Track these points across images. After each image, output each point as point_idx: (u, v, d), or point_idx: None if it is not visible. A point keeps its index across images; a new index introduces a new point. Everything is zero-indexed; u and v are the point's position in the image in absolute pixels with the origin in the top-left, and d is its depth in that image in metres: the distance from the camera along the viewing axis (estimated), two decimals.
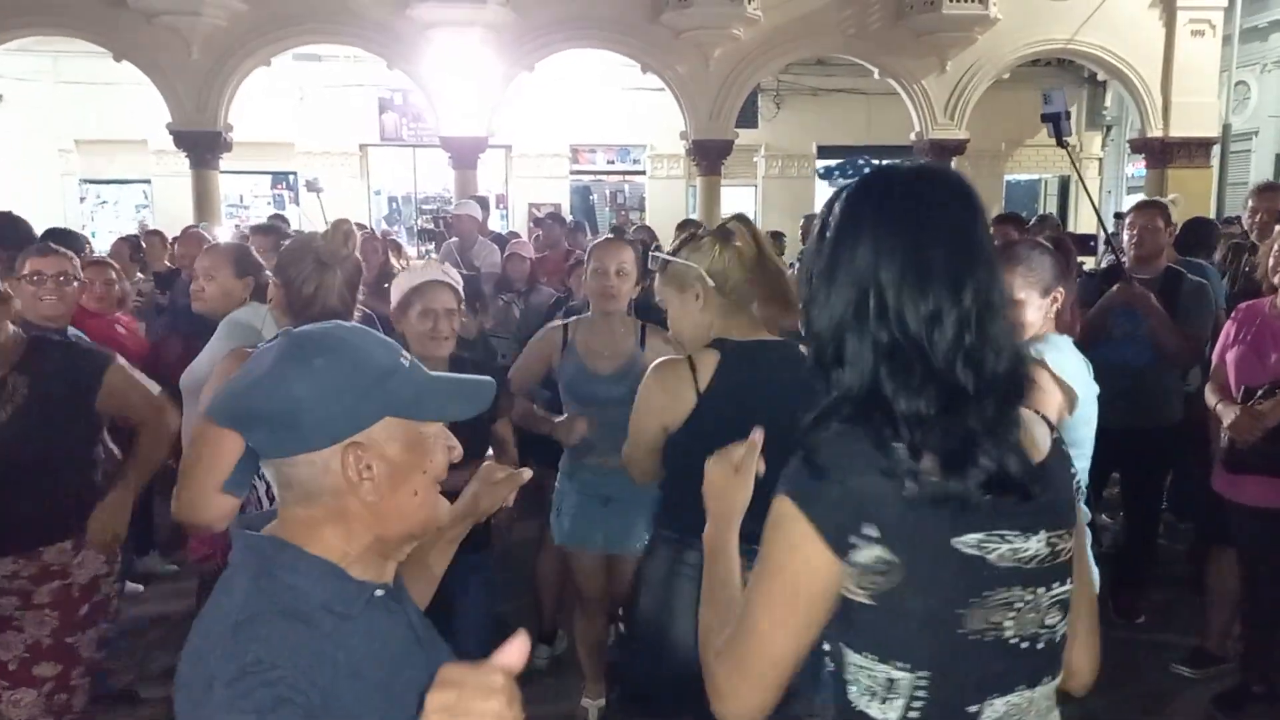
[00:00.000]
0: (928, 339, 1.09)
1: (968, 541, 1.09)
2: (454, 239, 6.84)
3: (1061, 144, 3.84)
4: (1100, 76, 14.92)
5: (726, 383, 2.11)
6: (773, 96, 16.05)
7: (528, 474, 1.45)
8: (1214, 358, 3.41)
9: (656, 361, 2.23)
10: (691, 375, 2.12)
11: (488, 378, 1.20)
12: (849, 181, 1.21)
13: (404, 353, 1.15)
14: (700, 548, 1.37)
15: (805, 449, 1.12)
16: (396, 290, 2.78)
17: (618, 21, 12.17)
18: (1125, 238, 4.12)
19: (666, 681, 2.05)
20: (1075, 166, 5.01)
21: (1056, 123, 3.78)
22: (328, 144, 15.34)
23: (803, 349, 1.99)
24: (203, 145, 11.76)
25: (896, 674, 1.11)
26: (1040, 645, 1.16)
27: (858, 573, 1.09)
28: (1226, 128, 14.35)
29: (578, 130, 15.93)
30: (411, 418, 1.11)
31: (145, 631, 4.18)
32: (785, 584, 1.12)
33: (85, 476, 2.70)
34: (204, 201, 11.80)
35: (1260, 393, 3.09)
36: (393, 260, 7.35)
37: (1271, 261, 3.15)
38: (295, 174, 15.54)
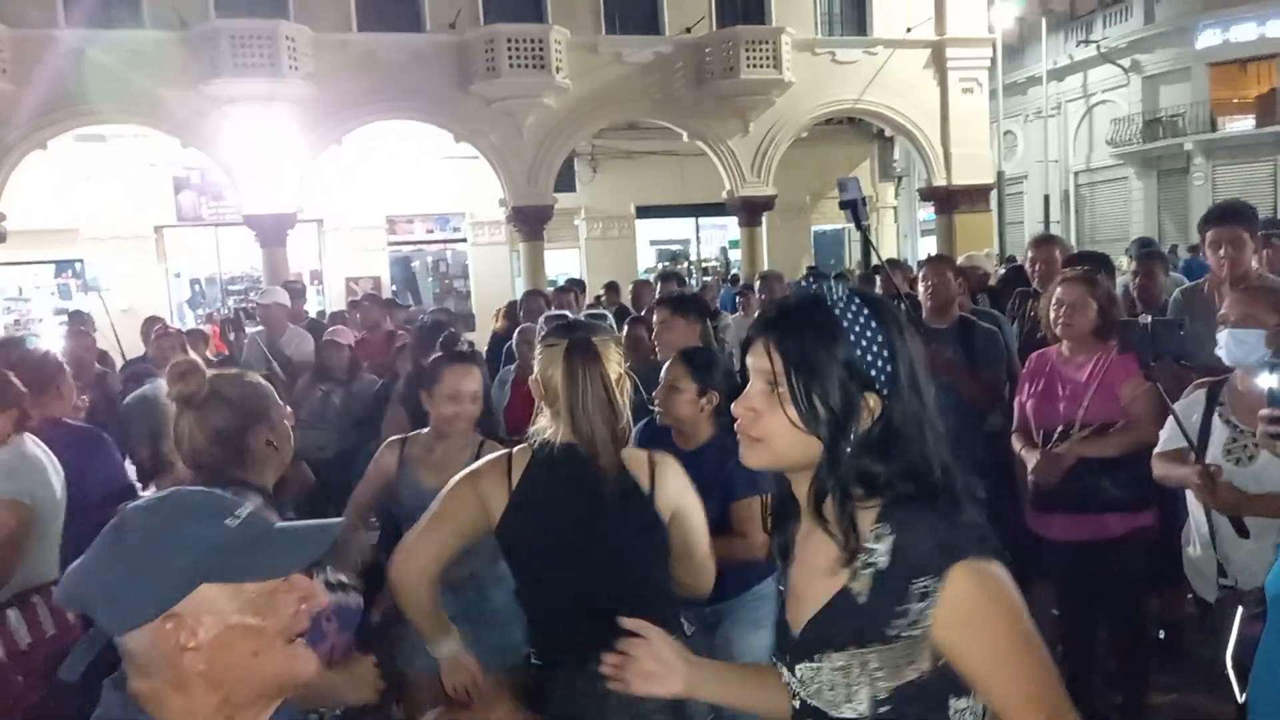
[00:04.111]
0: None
1: None
2: (261, 329, 6.43)
3: (860, 228, 4.04)
4: (888, 132, 16.08)
5: None
6: (589, 160, 16.35)
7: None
8: (1015, 407, 3.63)
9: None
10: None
11: (328, 521, 1.20)
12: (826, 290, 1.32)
13: (237, 510, 1.12)
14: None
15: (943, 520, 1.27)
16: None
17: (427, 92, 12.08)
18: (920, 291, 4.36)
19: None
20: (874, 250, 5.31)
21: (854, 209, 3.96)
22: (118, 228, 14.31)
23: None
24: None
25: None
26: None
27: None
28: (1000, 174, 15.76)
29: (393, 201, 15.62)
30: (236, 581, 1.08)
31: None
32: (1030, 625, 1.26)
33: None
34: None
35: (1056, 435, 3.31)
36: (191, 354, 6.84)
37: (1053, 314, 3.40)
38: (82, 261, 14.40)
